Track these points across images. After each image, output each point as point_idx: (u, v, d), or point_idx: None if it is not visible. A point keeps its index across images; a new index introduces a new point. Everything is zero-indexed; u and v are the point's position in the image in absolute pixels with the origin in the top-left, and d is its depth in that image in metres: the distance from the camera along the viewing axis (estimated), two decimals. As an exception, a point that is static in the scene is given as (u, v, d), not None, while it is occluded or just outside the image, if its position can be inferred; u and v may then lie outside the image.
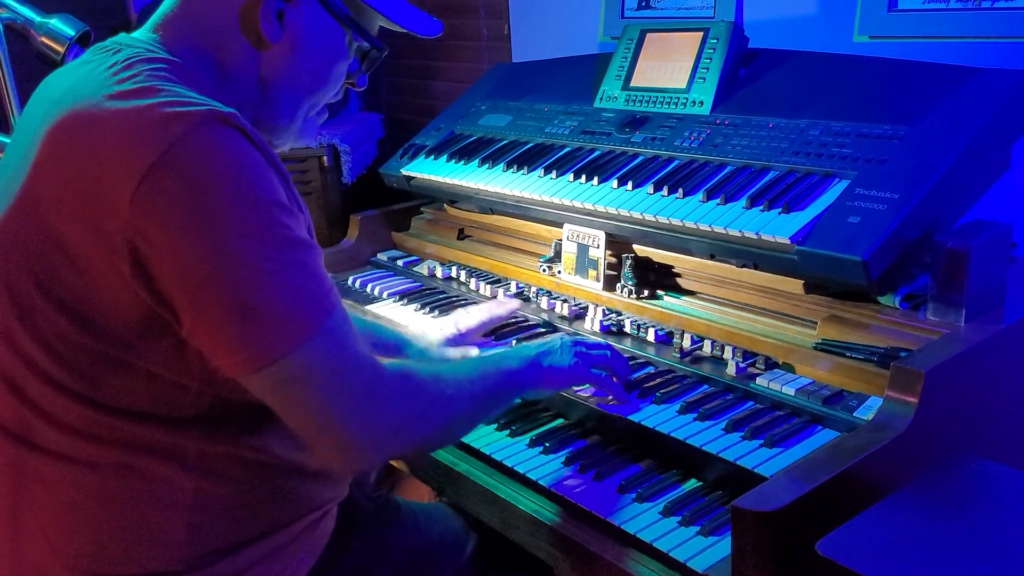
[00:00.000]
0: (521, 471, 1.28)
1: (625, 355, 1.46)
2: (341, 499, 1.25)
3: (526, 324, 1.63)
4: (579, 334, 1.54)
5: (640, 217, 1.51)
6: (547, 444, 1.33)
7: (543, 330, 1.60)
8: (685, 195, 1.49)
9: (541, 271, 1.76)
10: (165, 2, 1.14)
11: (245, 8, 1.09)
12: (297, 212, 1.02)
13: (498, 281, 1.82)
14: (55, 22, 1.79)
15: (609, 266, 1.63)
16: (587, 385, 1.37)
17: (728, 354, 1.39)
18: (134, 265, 0.95)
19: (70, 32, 1.78)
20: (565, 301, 1.66)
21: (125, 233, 0.94)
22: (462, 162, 1.91)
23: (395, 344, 1.49)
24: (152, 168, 0.92)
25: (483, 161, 1.87)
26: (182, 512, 1.07)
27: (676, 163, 1.59)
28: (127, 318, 0.99)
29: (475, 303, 1.75)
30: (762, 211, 1.37)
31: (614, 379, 1.35)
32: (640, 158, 1.65)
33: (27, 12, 1.81)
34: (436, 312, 1.73)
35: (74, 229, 0.97)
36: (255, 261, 0.95)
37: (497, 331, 1.61)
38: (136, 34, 1.12)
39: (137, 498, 1.06)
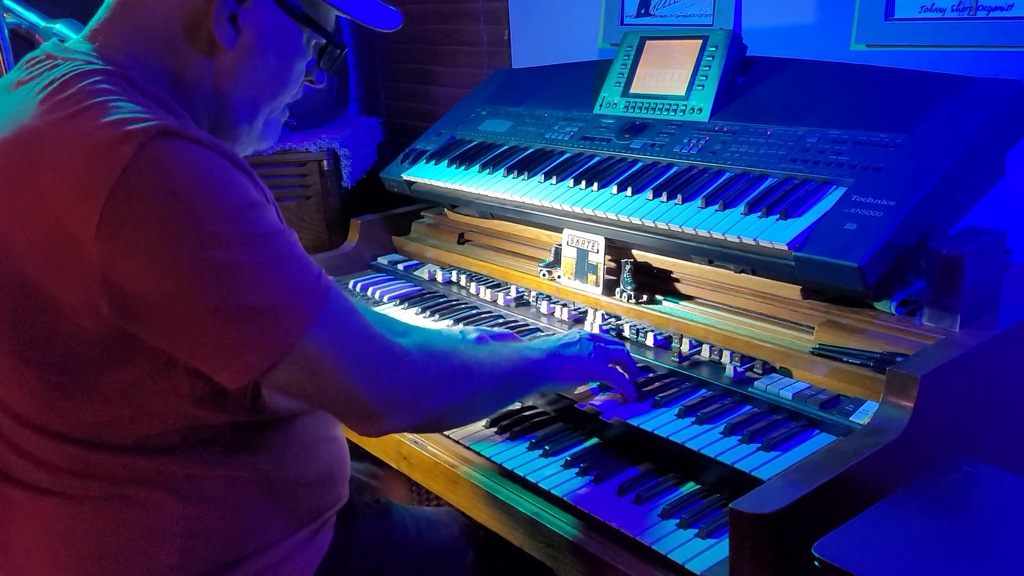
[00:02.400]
0: (521, 474, 1.29)
1: (624, 359, 1.48)
2: (340, 505, 1.25)
3: (526, 328, 1.65)
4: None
5: (639, 223, 1.53)
6: (547, 447, 1.34)
7: (542, 333, 1.61)
8: (684, 201, 1.50)
9: (541, 275, 1.77)
10: (102, 8, 1.09)
11: (195, 13, 1.05)
12: (266, 203, 1.01)
13: (498, 285, 1.84)
14: (60, 27, 1.80)
15: (608, 271, 1.65)
16: (595, 385, 1.40)
17: (726, 358, 1.40)
18: (112, 301, 0.93)
19: (74, 36, 1.79)
20: (565, 305, 1.67)
21: (97, 269, 0.91)
22: (463, 167, 1.93)
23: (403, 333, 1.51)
24: (110, 198, 0.89)
25: (484, 166, 1.88)
26: (173, 539, 1.06)
27: (675, 169, 1.61)
28: (107, 353, 0.97)
29: (476, 307, 1.77)
30: (760, 217, 1.39)
31: (628, 376, 1.37)
32: (639, 164, 1.67)
33: (32, 17, 1.82)
34: (437, 316, 1.74)
35: (42, 272, 0.94)
36: (239, 264, 0.94)
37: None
38: (71, 43, 1.08)
39: (125, 528, 1.05)
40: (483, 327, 1.59)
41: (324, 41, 1.19)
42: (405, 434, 1.44)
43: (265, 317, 0.95)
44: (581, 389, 1.40)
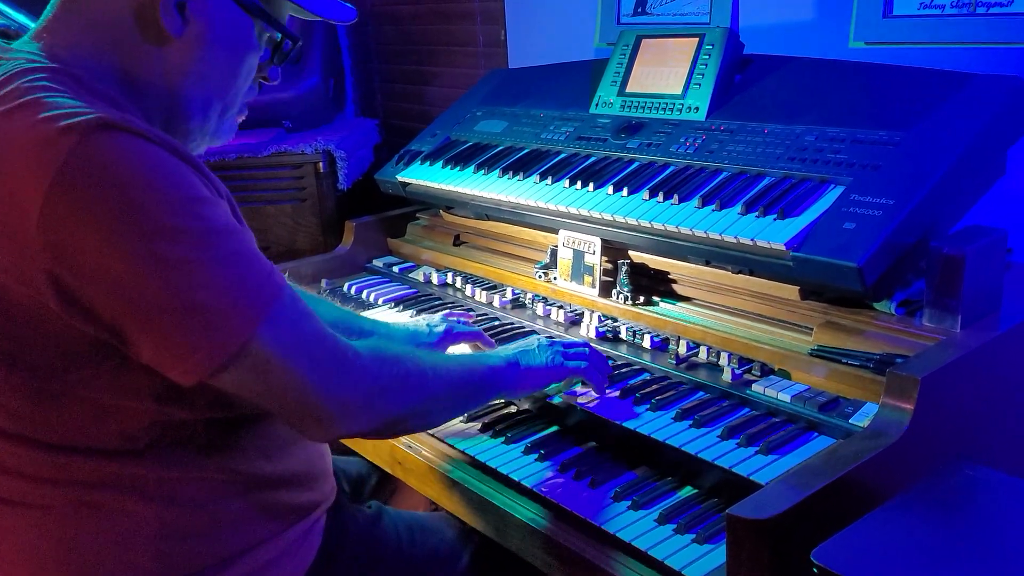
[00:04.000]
0: (516, 478, 1.27)
1: (620, 361, 1.46)
2: (328, 504, 1.24)
3: (521, 330, 1.63)
4: (565, 337, 1.55)
5: (635, 223, 1.51)
6: (542, 451, 1.32)
7: (536, 336, 1.59)
8: (680, 201, 1.49)
9: (537, 277, 1.75)
10: (47, 9, 1.07)
11: (143, 3, 1.03)
12: (217, 199, 0.98)
13: (494, 287, 1.82)
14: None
15: (605, 272, 1.63)
16: (576, 386, 1.38)
17: (724, 360, 1.38)
18: (59, 296, 0.91)
19: (23, 36, 1.78)
20: (561, 307, 1.66)
21: (41, 264, 0.89)
22: (458, 168, 1.91)
23: (369, 331, 1.50)
24: (50, 191, 0.87)
25: (479, 167, 1.86)
26: (148, 543, 1.04)
27: (671, 169, 1.59)
28: (61, 349, 0.96)
29: (471, 310, 1.75)
30: (757, 217, 1.37)
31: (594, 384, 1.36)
32: (636, 164, 1.65)
33: (22, 18, 1.81)
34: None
35: None
36: (187, 260, 0.91)
37: (496, 336, 1.60)
38: (16, 43, 1.06)
39: (98, 536, 1.03)
40: (454, 320, 1.58)
41: (278, 36, 1.16)
42: (400, 438, 1.42)
43: (212, 315, 0.93)
44: (577, 389, 1.39)
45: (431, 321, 1.55)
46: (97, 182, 0.89)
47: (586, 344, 1.41)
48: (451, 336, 1.52)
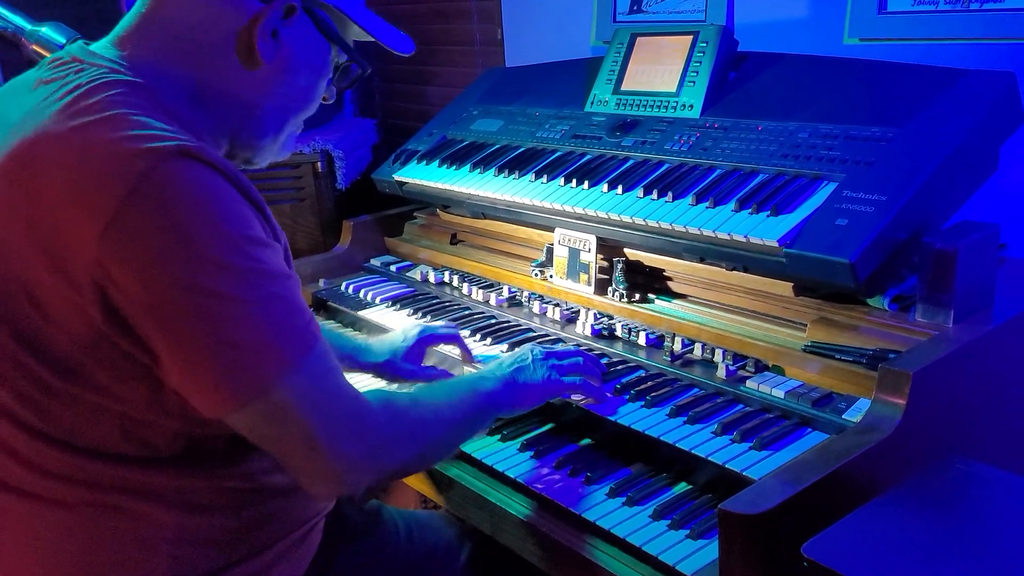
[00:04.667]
0: (512, 475, 1.28)
1: (616, 359, 1.47)
2: (329, 507, 1.24)
3: (518, 328, 1.63)
4: (560, 341, 1.55)
5: (630, 221, 1.51)
6: (538, 448, 1.33)
7: (533, 334, 1.60)
8: (675, 198, 1.49)
9: (533, 275, 1.76)
10: (130, 14, 1.08)
11: (237, 26, 1.05)
12: (273, 243, 1.00)
13: (490, 286, 1.82)
14: (46, 30, 1.79)
15: (600, 270, 1.64)
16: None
17: (718, 357, 1.39)
18: (105, 309, 0.92)
19: (61, 40, 1.78)
20: (557, 305, 1.66)
21: (93, 275, 0.91)
22: (454, 167, 1.91)
23: (350, 354, 1.50)
24: (120, 207, 0.89)
25: (475, 166, 1.87)
26: (163, 546, 1.05)
27: (666, 167, 1.59)
28: (100, 362, 0.97)
29: (468, 308, 1.75)
30: (751, 214, 1.38)
31: (592, 382, 1.36)
32: (630, 162, 1.66)
33: (18, 20, 1.81)
34: (429, 317, 1.73)
35: (39, 273, 0.94)
36: (231, 297, 0.93)
37: (493, 334, 1.60)
38: (97, 47, 1.07)
39: (116, 536, 1.04)
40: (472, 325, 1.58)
41: (346, 60, 1.19)
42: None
43: (242, 355, 0.93)
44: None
45: (407, 330, 1.55)
46: (163, 207, 0.90)
47: (579, 352, 1.40)
48: (428, 339, 1.53)
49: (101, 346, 0.95)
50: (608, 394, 1.36)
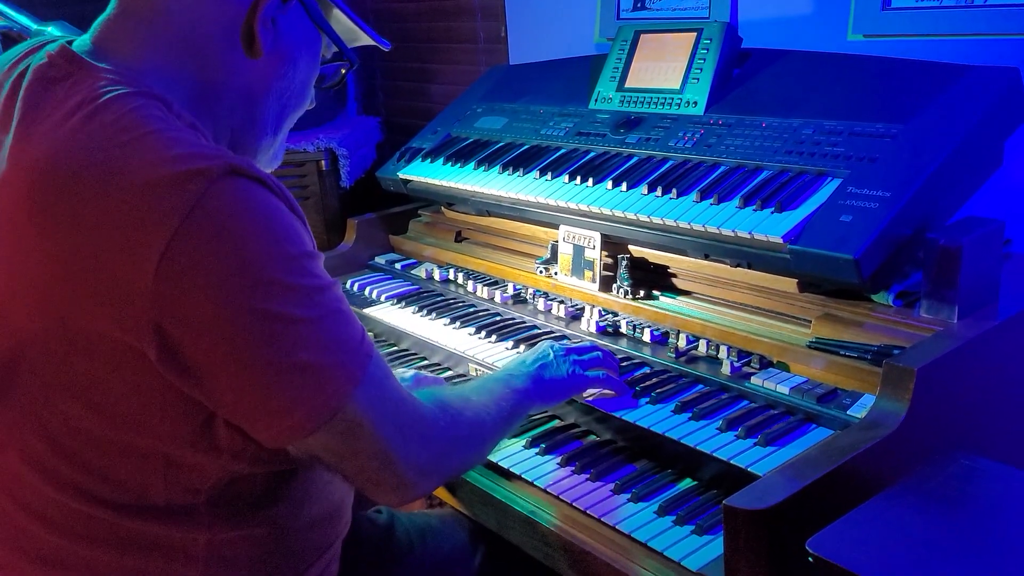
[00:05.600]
0: (518, 472, 1.28)
1: (620, 355, 1.47)
2: (346, 533, 1.22)
3: (523, 325, 1.64)
4: (566, 337, 1.56)
5: (635, 218, 1.52)
6: (543, 445, 1.33)
7: (539, 331, 1.60)
8: (679, 195, 1.49)
9: (538, 272, 1.76)
10: (108, 13, 1.00)
11: (236, 14, 1.00)
12: (320, 253, 0.97)
13: (495, 283, 1.83)
14: (51, 29, 1.80)
15: (605, 267, 1.64)
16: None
17: (723, 353, 1.39)
18: (161, 348, 0.87)
19: (79, 38, 1.78)
20: (562, 302, 1.67)
21: (149, 314, 0.85)
22: (458, 165, 1.92)
23: None
24: (174, 238, 0.83)
25: (479, 163, 1.87)
26: None
27: (670, 163, 1.60)
28: (148, 401, 0.92)
29: (473, 305, 1.76)
30: (755, 211, 1.38)
31: (613, 375, 1.36)
32: (635, 159, 1.66)
33: (24, 20, 1.82)
34: (434, 315, 1.74)
35: (82, 314, 0.87)
36: (298, 318, 0.89)
37: (498, 331, 1.61)
38: (79, 48, 0.98)
39: None
40: (479, 323, 1.58)
41: (332, 53, 1.16)
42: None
43: (315, 375, 0.91)
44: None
45: (401, 373, 1.53)
46: (219, 232, 0.85)
47: (596, 347, 1.41)
48: (420, 381, 1.50)
49: (150, 385, 0.90)
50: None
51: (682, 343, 1.44)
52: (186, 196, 0.84)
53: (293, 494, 1.08)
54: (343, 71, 1.20)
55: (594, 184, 1.63)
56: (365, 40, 1.21)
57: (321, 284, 0.93)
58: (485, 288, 1.80)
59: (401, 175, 2.03)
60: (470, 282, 1.85)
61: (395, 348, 1.76)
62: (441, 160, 1.97)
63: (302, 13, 1.07)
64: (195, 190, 0.84)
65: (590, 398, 1.36)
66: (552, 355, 1.34)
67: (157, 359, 0.88)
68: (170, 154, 0.87)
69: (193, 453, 0.96)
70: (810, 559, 0.86)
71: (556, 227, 1.71)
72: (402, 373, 1.53)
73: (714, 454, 1.18)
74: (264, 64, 1.04)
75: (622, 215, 1.54)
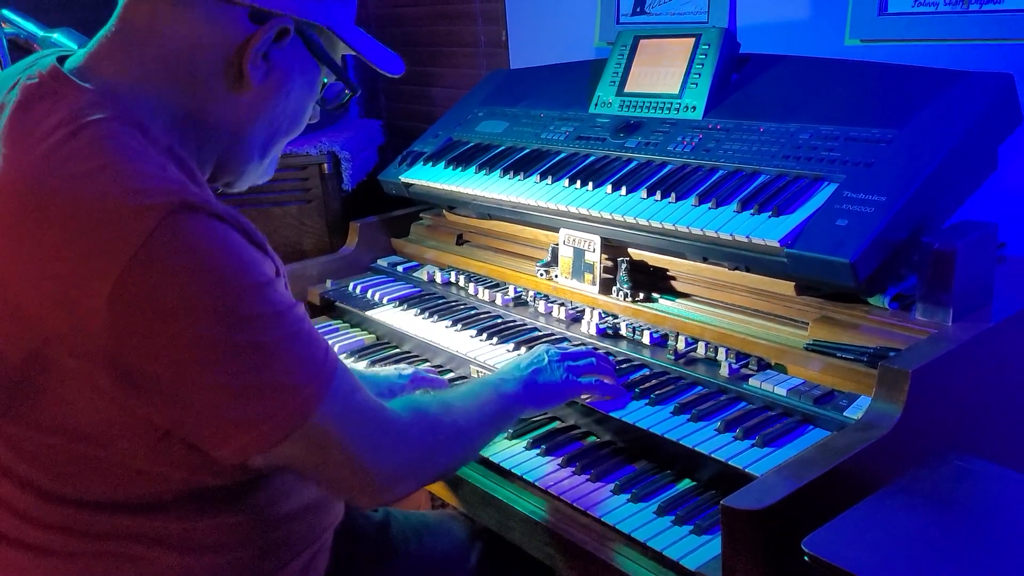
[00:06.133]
0: (519, 473, 1.30)
1: (620, 357, 1.49)
2: (338, 523, 1.25)
3: (524, 328, 1.66)
4: (566, 339, 1.57)
5: (634, 221, 1.53)
6: (544, 446, 1.35)
7: (539, 334, 1.62)
8: (678, 199, 1.51)
9: (538, 275, 1.78)
10: (105, 31, 1.02)
11: (227, 48, 1.01)
12: (279, 277, 0.99)
13: (496, 286, 1.85)
14: (58, 36, 1.82)
15: (605, 270, 1.66)
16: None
17: (721, 355, 1.41)
18: (118, 376, 0.90)
19: (73, 46, 1.81)
20: (562, 305, 1.68)
21: (104, 341, 0.88)
22: (459, 168, 1.94)
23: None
24: (126, 269, 0.86)
25: (480, 167, 1.89)
26: None
27: (669, 168, 1.61)
28: (106, 419, 0.95)
29: (474, 308, 1.78)
30: (752, 215, 1.40)
31: (606, 380, 1.38)
32: (634, 163, 1.68)
33: (30, 27, 1.84)
34: (436, 317, 1.76)
35: (42, 335, 0.90)
36: (255, 345, 0.92)
37: (499, 334, 1.63)
38: (71, 67, 1.00)
39: None
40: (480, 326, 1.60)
41: (333, 79, 1.16)
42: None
43: (276, 394, 0.93)
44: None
45: (401, 369, 1.57)
46: (176, 265, 0.87)
47: (592, 353, 1.43)
48: (418, 380, 1.54)
49: (111, 408, 0.93)
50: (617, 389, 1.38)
51: (681, 345, 1.46)
52: (141, 228, 0.86)
53: (268, 489, 1.10)
54: (346, 97, 1.20)
55: (594, 188, 1.64)
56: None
57: (277, 310, 0.94)
58: (486, 291, 1.81)
59: (403, 179, 2.05)
60: (471, 285, 1.86)
61: (397, 350, 1.78)
62: (443, 164, 1.99)
63: (299, 44, 1.07)
64: (147, 225, 0.86)
65: (589, 400, 1.37)
66: (547, 360, 1.36)
67: (112, 384, 0.91)
68: (129, 186, 0.89)
69: (154, 465, 0.99)
70: (806, 558, 0.88)
71: (557, 230, 1.72)
72: (402, 370, 1.55)
73: (712, 455, 1.20)
74: (254, 95, 1.05)
75: (622, 219, 1.55)
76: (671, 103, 1.72)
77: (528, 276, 1.81)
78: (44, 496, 1.00)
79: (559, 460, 1.32)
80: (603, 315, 1.63)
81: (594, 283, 1.66)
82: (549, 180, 1.73)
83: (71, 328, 0.89)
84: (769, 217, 1.37)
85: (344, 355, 1.75)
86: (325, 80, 1.16)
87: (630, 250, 1.64)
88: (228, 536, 1.08)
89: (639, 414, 1.32)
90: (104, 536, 1.02)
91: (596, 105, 1.86)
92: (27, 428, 0.97)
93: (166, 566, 1.04)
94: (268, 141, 1.12)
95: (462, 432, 1.19)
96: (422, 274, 2.00)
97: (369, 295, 1.93)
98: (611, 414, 1.34)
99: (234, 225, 0.94)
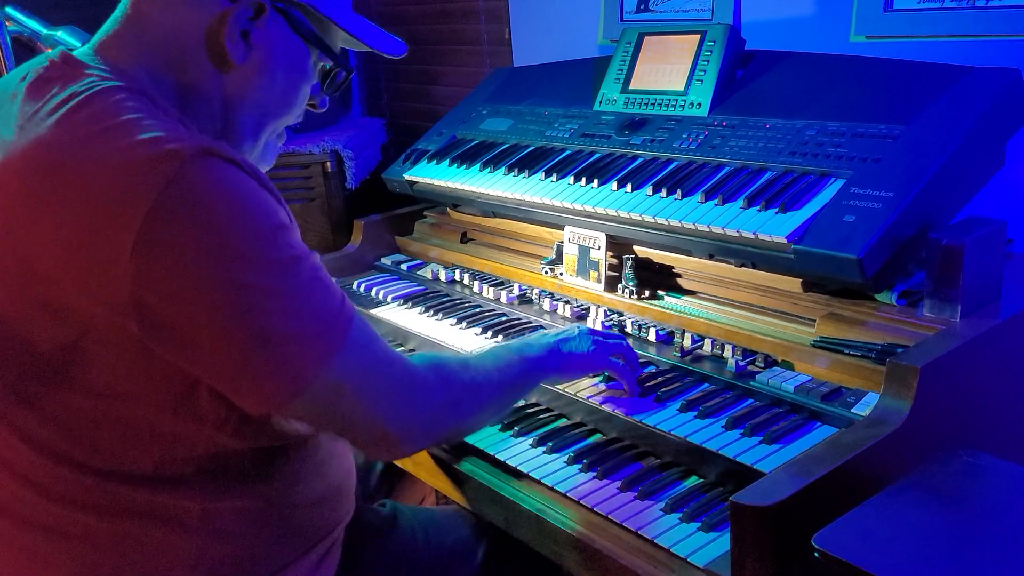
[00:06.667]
0: (525, 470, 1.29)
1: (626, 355, 1.48)
2: (349, 519, 1.25)
3: (529, 326, 1.65)
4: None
5: (639, 218, 1.53)
6: (550, 443, 1.34)
7: (544, 331, 1.61)
8: (684, 196, 1.51)
9: (543, 273, 1.77)
10: (107, 24, 1.07)
11: (210, 29, 1.04)
12: (295, 225, 1.01)
13: (501, 283, 1.84)
14: (61, 34, 1.81)
15: (610, 267, 1.65)
16: (599, 379, 1.41)
17: (728, 352, 1.40)
18: (142, 320, 0.91)
19: (76, 44, 1.81)
20: (567, 302, 1.68)
21: (129, 288, 0.89)
22: (464, 166, 1.93)
23: None
24: (149, 216, 0.87)
25: (484, 165, 1.89)
26: (186, 571, 1.05)
27: (675, 164, 1.61)
28: (130, 372, 0.96)
29: (479, 306, 1.77)
30: (759, 211, 1.39)
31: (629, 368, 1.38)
32: (639, 160, 1.67)
33: (34, 24, 1.83)
34: (440, 315, 1.75)
35: (66, 293, 0.92)
36: (275, 289, 0.93)
37: (504, 332, 1.62)
38: (80, 55, 1.04)
39: (139, 568, 1.04)
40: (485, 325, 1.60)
41: (330, 64, 1.18)
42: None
43: (295, 343, 0.94)
44: (585, 383, 1.41)
45: None
46: (196, 210, 0.89)
47: (621, 336, 1.43)
48: None
49: (138, 360, 0.94)
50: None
51: (687, 342, 1.46)
52: (160, 176, 0.88)
53: (286, 472, 1.11)
54: (340, 79, 1.21)
55: (599, 185, 1.64)
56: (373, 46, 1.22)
57: (295, 255, 0.96)
58: (491, 288, 1.81)
59: (407, 177, 2.05)
60: (476, 283, 1.86)
61: (402, 348, 1.77)
62: (447, 162, 1.98)
63: (284, 25, 1.09)
64: (168, 170, 0.88)
65: (596, 395, 1.37)
66: (577, 332, 1.37)
67: (139, 330, 0.92)
68: (145, 138, 0.91)
69: (176, 421, 0.99)
70: (816, 554, 0.88)
71: (561, 228, 1.72)
72: None
73: (719, 452, 1.19)
74: (240, 75, 1.08)
75: (627, 216, 1.55)
76: (676, 100, 1.72)
77: (533, 274, 1.80)
78: (63, 462, 1.00)
79: (565, 457, 1.31)
80: (608, 313, 1.63)
81: (599, 281, 1.66)
82: (554, 177, 1.73)
83: (98, 279, 0.90)
84: (776, 213, 1.37)
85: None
86: (326, 66, 1.18)
87: (635, 247, 1.63)
88: (245, 522, 1.08)
89: (646, 412, 1.31)
90: (125, 513, 1.02)
91: (601, 102, 1.86)
92: (64, 394, 0.98)
93: (181, 550, 1.04)
94: (259, 123, 1.13)
95: (480, 389, 1.19)
96: (426, 272, 1.99)
97: (373, 293, 1.93)
98: (617, 411, 1.33)
99: (249, 172, 0.96)
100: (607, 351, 1.36)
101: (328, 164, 2.67)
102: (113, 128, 0.92)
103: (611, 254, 1.65)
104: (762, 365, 1.36)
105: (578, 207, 1.64)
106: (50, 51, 1.06)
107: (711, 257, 1.50)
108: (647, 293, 1.60)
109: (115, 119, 0.93)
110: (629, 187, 1.59)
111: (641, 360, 1.47)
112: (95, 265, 0.90)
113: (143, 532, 1.03)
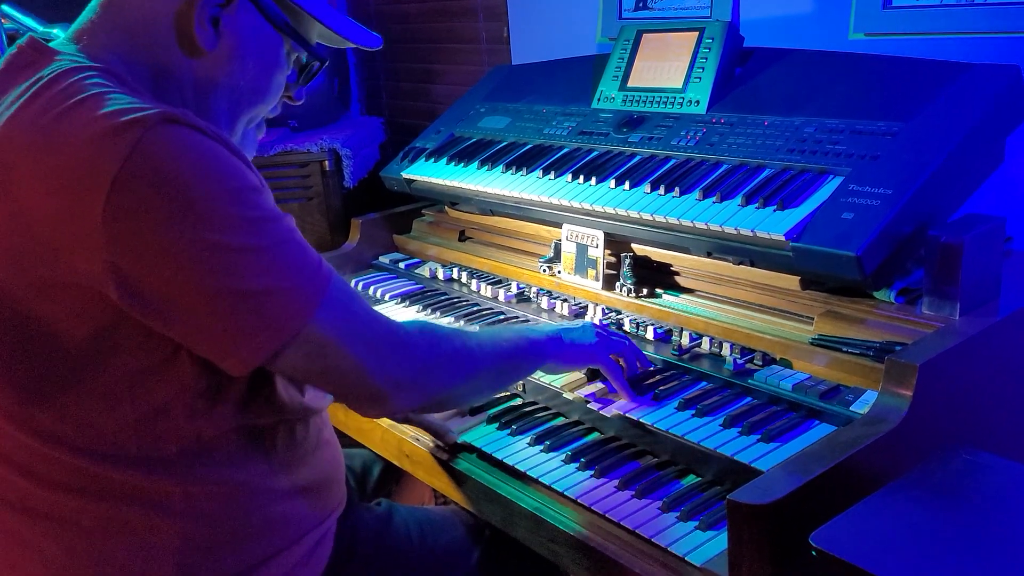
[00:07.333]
0: (522, 469, 1.29)
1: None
2: (340, 510, 1.25)
3: (527, 324, 1.65)
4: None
5: (637, 216, 1.53)
6: (548, 442, 1.34)
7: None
8: (682, 194, 1.50)
9: (541, 271, 1.77)
10: (83, 13, 1.09)
11: (179, 14, 1.06)
12: (267, 188, 1.02)
13: (499, 282, 1.84)
14: (57, 31, 1.81)
15: (608, 265, 1.65)
16: (596, 383, 1.40)
17: (726, 351, 1.40)
18: (120, 287, 0.92)
19: (59, 37, 1.80)
20: (565, 301, 1.67)
21: (103, 255, 0.91)
22: (462, 164, 1.93)
23: None
24: (116, 181, 0.89)
25: (482, 163, 1.88)
26: (170, 557, 1.06)
27: (673, 162, 1.61)
28: (112, 342, 0.97)
29: (477, 304, 1.77)
30: (757, 208, 1.39)
31: (625, 371, 1.37)
32: (637, 158, 1.67)
33: (30, 22, 1.83)
34: (438, 313, 1.75)
35: (42, 267, 0.94)
36: (248, 248, 0.94)
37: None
38: (55, 44, 1.07)
39: (124, 552, 1.04)
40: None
41: (305, 55, 1.18)
42: (406, 431, 1.44)
43: (272, 300, 0.96)
44: (576, 379, 1.41)
45: None
46: (161, 174, 0.90)
47: (626, 337, 1.43)
48: None
49: (119, 328, 0.96)
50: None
51: (685, 341, 1.45)
52: (123, 144, 0.90)
53: (267, 456, 1.11)
54: (314, 70, 1.22)
55: (597, 183, 1.63)
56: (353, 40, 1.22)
57: (268, 215, 0.98)
58: (489, 287, 1.80)
59: (405, 175, 2.04)
60: (474, 281, 1.86)
61: (400, 347, 1.77)
62: (445, 160, 1.98)
63: (255, 12, 1.10)
64: (131, 138, 0.90)
65: (594, 393, 1.36)
66: (581, 324, 1.38)
67: (119, 297, 0.93)
68: (109, 110, 0.92)
69: (159, 392, 1.00)
70: (813, 553, 0.87)
71: (559, 226, 1.72)
72: None
73: (717, 450, 1.19)
74: (211, 61, 1.09)
75: (625, 214, 1.54)
76: (675, 97, 1.71)
77: (531, 272, 1.80)
78: (47, 440, 1.01)
79: (562, 457, 1.30)
80: (606, 311, 1.62)
81: (597, 279, 1.65)
82: (552, 175, 1.72)
83: (73, 250, 0.91)
84: (774, 211, 1.36)
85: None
86: (302, 58, 1.19)
87: (633, 245, 1.63)
88: (227, 506, 1.08)
89: (644, 410, 1.31)
90: (109, 496, 1.03)
91: (599, 100, 1.85)
92: (37, 366, 0.99)
93: (167, 534, 1.05)
94: (233, 111, 1.14)
95: (471, 354, 1.19)
96: (424, 271, 1.99)
97: (371, 292, 1.92)
98: (615, 410, 1.33)
99: (215, 137, 0.97)
100: (608, 347, 1.36)
101: (326, 163, 2.66)
102: (77, 104, 0.94)
103: (609, 252, 1.65)
104: (760, 363, 1.36)
105: (576, 205, 1.63)
106: (19, 39, 1.07)
107: (709, 255, 1.50)
108: (645, 291, 1.60)
109: (79, 95, 0.94)
110: (627, 185, 1.58)
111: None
112: (68, 237, 0.91)
113: (127, 515, 1.04)
